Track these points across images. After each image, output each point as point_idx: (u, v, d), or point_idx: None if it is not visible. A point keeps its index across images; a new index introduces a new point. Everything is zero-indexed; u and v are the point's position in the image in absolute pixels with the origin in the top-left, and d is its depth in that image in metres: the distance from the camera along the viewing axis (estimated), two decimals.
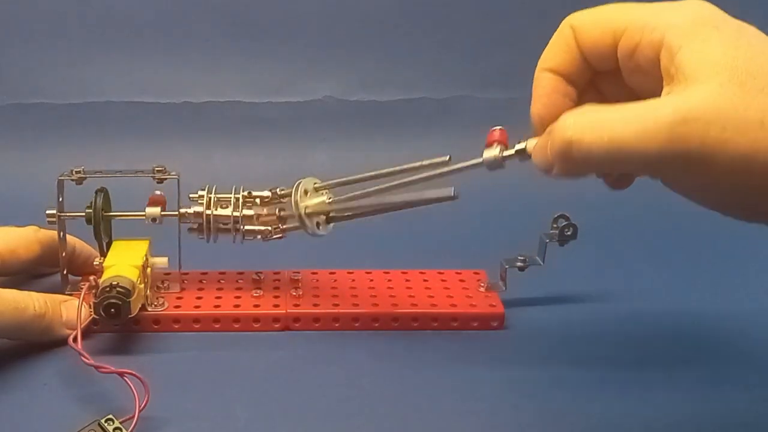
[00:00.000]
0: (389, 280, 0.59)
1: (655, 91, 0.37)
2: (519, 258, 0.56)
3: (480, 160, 0.46)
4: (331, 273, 0.60)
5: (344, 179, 0.53)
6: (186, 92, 0.82)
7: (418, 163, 0.50)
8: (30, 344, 0.50)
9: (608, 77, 0.42)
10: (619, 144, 0.35)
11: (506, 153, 0.45)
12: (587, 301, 0.59)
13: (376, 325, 0.55)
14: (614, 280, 0.62)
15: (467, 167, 0.47)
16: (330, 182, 0.53)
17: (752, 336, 0.55)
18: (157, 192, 0.54)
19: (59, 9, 0.80)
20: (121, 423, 0.41)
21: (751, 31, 0.37)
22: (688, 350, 0.53)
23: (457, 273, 0.60)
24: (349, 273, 0.60)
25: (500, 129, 0.45)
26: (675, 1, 0.38)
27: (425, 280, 0.59)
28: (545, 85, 0.42)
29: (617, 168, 0.39)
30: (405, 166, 0.50)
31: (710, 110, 0.34)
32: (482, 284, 0.58)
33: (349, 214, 0.53)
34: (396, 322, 0.55)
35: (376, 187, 0.51)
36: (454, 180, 0.48)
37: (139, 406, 0.42)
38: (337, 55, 0.82)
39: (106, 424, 0.41)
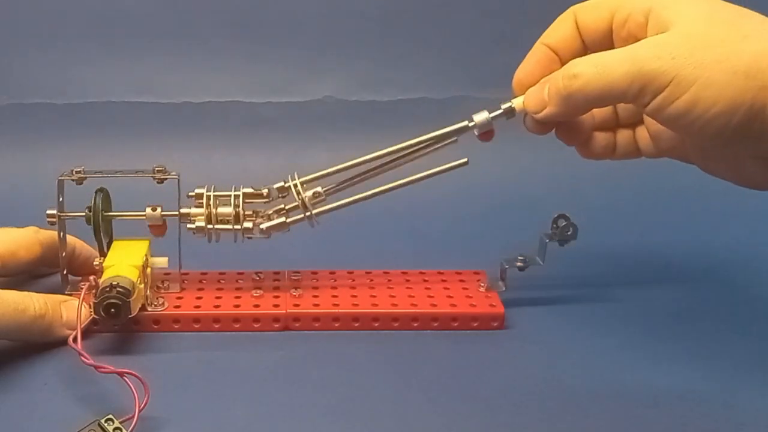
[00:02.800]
0: (389, 280, 0.59)
1: None
2: (519, 258, 0.56)
3: (472, 122, 0.52)
4: (331, 273, 0.60)
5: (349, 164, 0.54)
6: (186, 92, 0.82)
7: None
8: (30, 344, 0.50)
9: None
10: (610, 70, 0.43)
11: (494, 114, 0.51)
12: (587, 301, 0.59)
13: (376, 325, 0.55)
14: (614, 280, 0.62)
15: (456, 131, 0.52)
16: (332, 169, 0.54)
17: (749, 332, 0.55)
18: (152, 210, 0.54)
19: (59, 9, 0.80)
20: (121, 423, 0.41)
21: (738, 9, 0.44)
22: (689, 350, 0.53)
23: (457, 273, 0.60)
24: (349, 273, 0.60)
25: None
26: None
27: (425, 280, 0.59)
28: (540, 57, 0.49)
29: (605, 95, 0.44)
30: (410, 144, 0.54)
31: (672, 41, 0.42)
32: (482, 284, 0.58)
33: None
34: (396, 322, 0.55)
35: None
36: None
37: (139, 406, 0.42)
38: (337, 55, 0.82)
39: (106, 424, 0.41)
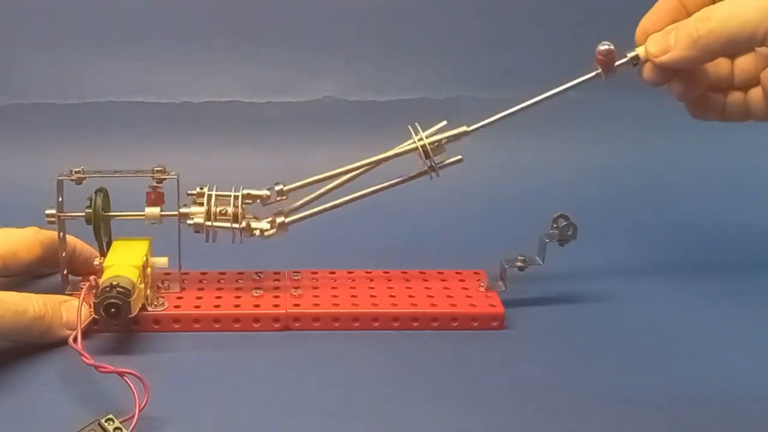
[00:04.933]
0: (389, 280, 0.59)
1: None
2: (519, 258, 0.56)
3: (596, 72, 0.51)
4: (331, 273, 0.60)
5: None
6: (186, 92, 0.82)
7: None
8: (30, 345, 0.50)
9: None
10: (743, 8, 0.44)
11: (620, 62, 0.51)
12: (587, 301, 0.59)
13: (376, 325, 0.55)
14: (614, 280, 0.62)
15: (584, 81, 0.52)
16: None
17: (749, 333, 0.55)
18: (154, 186, 0.54)
19: (59, 9, 0.80)
20: (121, 423, 0.41)
21: None
22: (687, 348, 0.53)
23: (457, 273, 0.60)
24: (349, 273, 0.60)
25: (606, 47, 0.51)
26: None
27: (425, 280, 0.59)
28: (668, 7, 0.50)
29: (736, 36, 0.45)
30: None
31: None
32: (482, 284, 0.58)
33: None
34: (396, 322, 0.55)
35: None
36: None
37: (139, 406, 0.42)
38: (337, 55, 0.82)
39: (106, 424, 0.41)
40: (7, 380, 0.47)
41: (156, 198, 0.54)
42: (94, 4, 0.80)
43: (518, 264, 0.56)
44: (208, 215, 0.54)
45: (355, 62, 0.83)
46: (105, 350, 0.51)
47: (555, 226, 0.55)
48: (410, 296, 0.57)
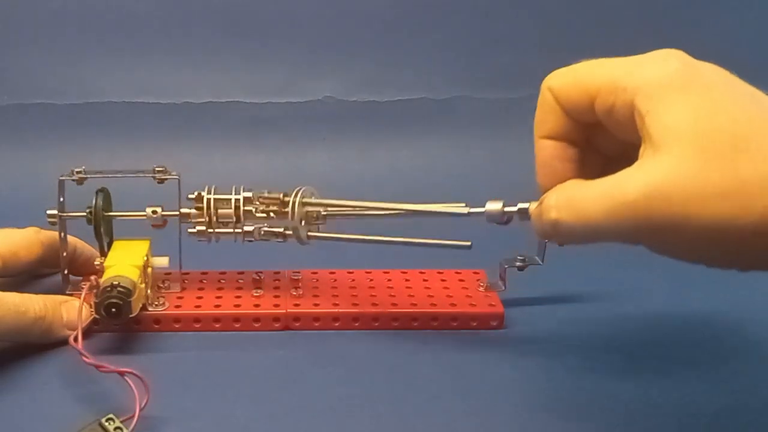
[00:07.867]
0: (389, 280, 0.59)
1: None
2: (519, 258, 0.56)
3: (482, 209, 0.48)
4: (331, 273, 0.60)
5: (344, 205, 0.53)
6: (186, 92, 0.82)
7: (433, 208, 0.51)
8: (30, 344, 0.50)
9: (602, 130, 0.41)
10: (593, 223, 0.37)
11: (508, 208, 0.47)
12: (587, 301, 0.59)
13: (376, 324, 0.55)
14: (614, 280, 0.62)
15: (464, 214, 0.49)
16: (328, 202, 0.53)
17: (750, 333, 0.55)
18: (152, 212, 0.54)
19: (59, 9, 0.80)
20: (121, 422, 0.41)
21: (719, 79, 0.36)
22: (688, 350, 0.53)
23: (457, 273, 0.60)
24: (349, 273, 0.60)
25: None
26: (645, 55, 0.38)
27: (425, 280, 0.59)
28: (546, 154, 0.43)
29: (599, 241, 0.38)
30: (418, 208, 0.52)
31: (672, 185, 0.34)
32: (482, 284, 0.58)
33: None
34: (396, 321, 0.55)
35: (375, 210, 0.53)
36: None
37: (140, 406, 0.42)
38: (337, 55, 0.82)
39: (106, 424, 0.41)
40: (7, 380, 0.48)
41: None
42: (93, 4, 0.80)
43: (518, 264, 0.56)
44: (209, 223, 0.54)
45: (355, 62, 0.83)
46: (106, 350, 0.51)
47: None
48: (410, 296, 0.57)
